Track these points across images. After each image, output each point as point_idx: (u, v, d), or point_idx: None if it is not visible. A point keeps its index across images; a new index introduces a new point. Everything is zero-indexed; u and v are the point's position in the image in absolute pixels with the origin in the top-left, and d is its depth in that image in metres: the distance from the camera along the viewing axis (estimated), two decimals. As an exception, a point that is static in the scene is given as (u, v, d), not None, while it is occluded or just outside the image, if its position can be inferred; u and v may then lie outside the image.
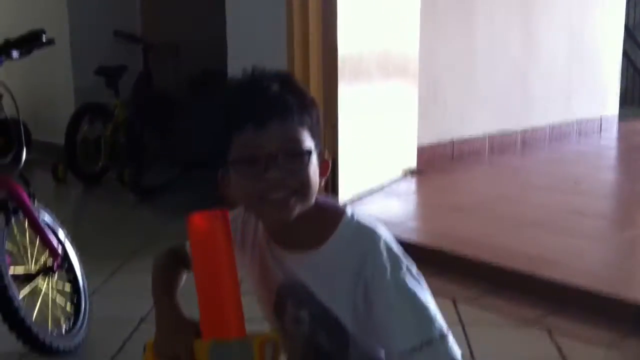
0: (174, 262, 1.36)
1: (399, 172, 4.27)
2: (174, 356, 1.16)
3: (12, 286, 2.11)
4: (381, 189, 3.96)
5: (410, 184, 4.24)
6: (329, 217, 1.21)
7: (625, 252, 3.03)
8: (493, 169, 4.79)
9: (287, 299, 1.27)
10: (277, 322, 1.31)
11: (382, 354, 1.25)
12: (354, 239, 1.19)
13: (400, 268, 1.17)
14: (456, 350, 1.15)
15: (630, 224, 3.42)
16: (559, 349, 2.23)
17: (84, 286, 2.45)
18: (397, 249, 1.19)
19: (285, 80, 1.17)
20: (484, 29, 5.01)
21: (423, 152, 4.54)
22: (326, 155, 1.22)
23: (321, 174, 1.19)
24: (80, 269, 2.46)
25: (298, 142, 1.14)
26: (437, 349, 1.13)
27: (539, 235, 3.21)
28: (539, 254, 2.91)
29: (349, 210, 1.22)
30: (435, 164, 4.65)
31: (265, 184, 1.12)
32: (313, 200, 1.18)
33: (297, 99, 1.16)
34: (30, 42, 2.35)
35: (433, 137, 4.72)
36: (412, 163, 4.42)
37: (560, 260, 2.85)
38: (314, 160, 1.16)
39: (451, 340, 1.15)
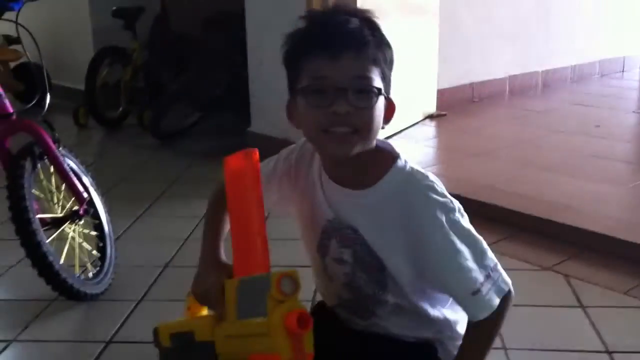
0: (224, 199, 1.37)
1: (418, 116, 4.26)
2: (205, 294, 1.22)
3: (40, 231, 2.17)
4: (401, 132, 3.96)
5: (430, 128, 4.23)
6: (384, 159, 1.24)
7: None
8: (513, 111, 4.75)
9: (332, 237, 1.30)
10: (319, 260, 1.35)
11: (419, 301, 1.29)
12: (406, 182, 1.22)
13: (453, 209, 1.21)
14: (506, 276, 1.23)
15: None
16: (575, 293, 2.26)
17: (109, 232, 2.50)
18: (446, 192, 1.23)
19: (366, 17, 1.19)
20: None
21: (443, 95, 4.52)
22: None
23: (386, 116, 1.21)
24: (106, 214, 2.51)
25: (369, 79, 1.16)
26: (496, 278, 1.20)
27: (559, 180, 3.21)
28: (558, 199, 2.92)
29: (402, 156, 1.25)
30: (455, 106, 4.62)
31: (330, 117, 1.14)
32: (374, 140, 1.20)
33: (374, 37, 1.17)
34: None
35: (453, 79, 4.68)
36: (432, 106, 4.40)
37: (580, 205, 2.85)
38: (381, 100, 1.18)
39: (500, 268, 1.23)
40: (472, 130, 4.23)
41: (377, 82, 1.17)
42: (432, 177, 1.24)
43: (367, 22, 1.18)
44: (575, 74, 5.58)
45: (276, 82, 3.78)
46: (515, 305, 2.03)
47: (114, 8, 4.67)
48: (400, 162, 1.24)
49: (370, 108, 1.16)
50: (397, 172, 1.24)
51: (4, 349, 2.04)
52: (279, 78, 4.06)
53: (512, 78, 5.13)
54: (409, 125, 4.10)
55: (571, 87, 5.44)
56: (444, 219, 1.19)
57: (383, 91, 1.18)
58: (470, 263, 1.19)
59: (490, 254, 1.22)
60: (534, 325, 2.07)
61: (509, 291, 1.22)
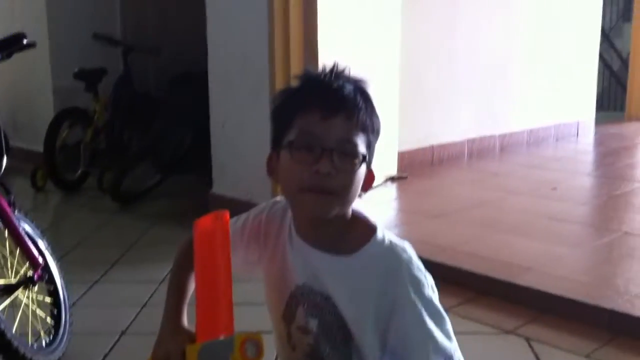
0: (191, 258, 1.35)
1: (380, 178, 4.29)
2: (166, 358, 1.19)
3: (-9, 298, 2.10)
4: (361, 195, 3.97)
5: (391, 190, 4.26)
6: (362, 228, 1.25)
7: (604, 258, 3.07)
8: (472, 173, 4.82)
9: (300, 303, 1.28)
10: (283, 328, 1.33)
11: None
12: (385, 255, 1.22)
13: (426, 286, 1.21)
14: None
15: (608, 229, 3.46)
16: (537, 357, 2.25)
17: (64, 298, 2.43)
18: (421, 266, 1.23)
19: (361, 86, 1.22)
20: (465, 31, 5.05)
21: (403, 157, 4.57)
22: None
23: (364, 186, 1.22)
24: (61, 280, 2.44)
25: (355, 145, 1.18)
26: None
27: (519, 242, 3.24)
28: (519, 262, 2.94)
29: (380, 227, 1.26)
30: (416, 168, 4.68)
31: (312, 176, 1.15)
32: (350, 206, 1.22)
33: (366, 104, 1.20)
34: (11, 45, 2.33)
35: (413, 141, 4.75)
36: (393, 168, 4.44)
37: (540, 267, 2.88)
38: (363, 167, 1.19)
39: (459, 354, 1.23)
40: (433, 192, 4.27)
41: (362, 149, 1.19)
42: (409, 248, 1.25)
43: (361, 90, 1.22)
44: (531, 137, 5.71)
45: (239, 144, 3.89)
46: (478, 371, 2.04)
47: (76, 70, 4.66)
48: (379, 234, 1.25)
49: (353, 172, 1.18)
50: (377, 244, 1.24)
51: None
52: (242, 140, 4.11)
53: (471, 141, 5.22)
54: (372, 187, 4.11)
55: (528, 150, 5.56)
56: (418, 296, 1.20)
57: (367, 158, 1.20)
58: (436, 345, 1.19)
59: (453, 336, 1.22)
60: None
61: None
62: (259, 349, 1.07)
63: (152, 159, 4.46)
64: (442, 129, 5.02)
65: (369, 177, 1.23)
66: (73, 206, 4.40)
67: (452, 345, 1.21)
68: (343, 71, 1.23)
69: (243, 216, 1.38)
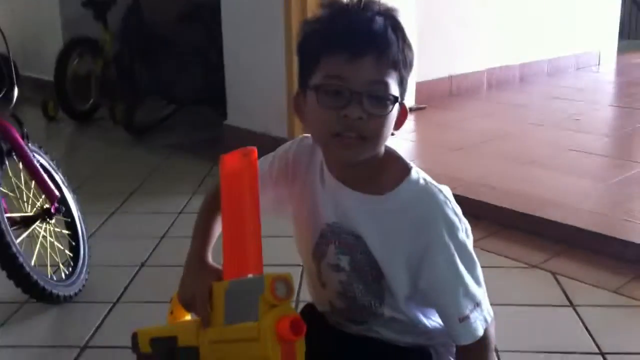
0: (218, 201, 1.29)
1: (397, 109, 4.19)
2: (191, 298, 1.15)
3: (9, 231, 2.06)
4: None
5: (409, 121, 4.15)
6: (397, 167, 1.19)
7: (629, 192, 2.99)
8: (492, 105, 4.71)
9: (331, 241, 1.23)
10: (314, 265, 1.28)
11: (413, 312, 1.24)
12: (420, 195, 1.16)
13: (461, 230, 1.16)
14: (490, 307, 1.20)
15: (633, 161, 3.38)
16: (564, 292, 2.21)
17: (82, 230, 2.40)
18: (458, 210, 1.18)
19: (392, 17, 1.12)
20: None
21: (421, 88, 4.46)
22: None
23: (398, 122, 1.15)
24: (78, 212, 2.41)
25: (387, 85, 1.09)
26: (484, 308, 1.17)
27: (540, 175, 3.17)
28: (541, 194, 2.88)
29: (415, 167, 1.20)
30: (434, 100, 4.58)
31: (341, 121, 1.08)
32: (382, 148, 1.15)
33: (398, 39, 1.10)
34: None
35: (431, 72, 4.63)
36: (411, 99, 4.35)
37: (563, 200, 2.81)
38: (396, 108, 1.12)
39: (486, 297, 1.20)
40: (452, 124, 4.18)
41: (394, 89, 1.11)
42: (446, 191, 1.19)
43: (392, 22, 1.11)
44: (551, 67, 5.57)
45: (253, 75, 3.80)
46: (503, 304, 2.01)
47: (84, -3, 4.53)
48: (414, 174, 1.19)
49: (384, 116, 1.10)
50: (412, 184, 1.18)
51: (-29, 355, 1.94)
52: (256, 71, 4.03)
53: (490, 71, 5.09)
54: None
55: (548, 81, 5.42)
56: (452, 239, 1.15)
57: (399, 98, 1.12)
58: (466, 289, 1.16)
59: (483, 282, 1.19)
60: (523, 325, 2.02)
61: (491, 321, 1.19)
62: (289, 289, 1.03)
63: (164, 93, 4.38)
64: (460, 59, 4.88)
65: (402, 113, 1.16)
66: (86, 137, 4.35)
67: (480, 292, 1.18)
68: (372, 1, 1.12)
69: (269, 156, 1.32)
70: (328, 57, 1.09)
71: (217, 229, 1.27)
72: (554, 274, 2.33)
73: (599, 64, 5.99)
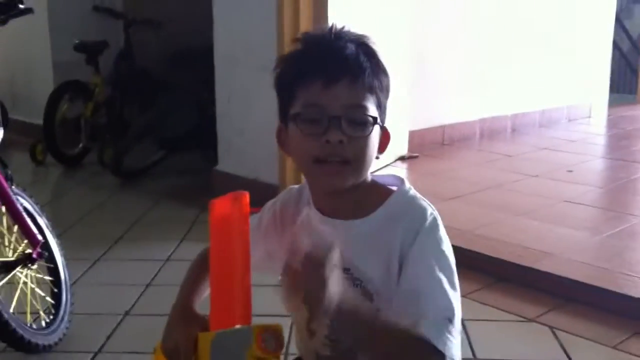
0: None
1: (390, 157, 4.17)
2: (174, 348, 1.11)
3: (-12, 277, 1.98)
4: (378, 157, 3.85)
5: (401, 170, 4.13)
6: (383, 189, 1.16)
7: (625, 244, 2.95)
8: (484, 155, 4.70)
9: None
10: (305, 310, 1.21)
11: None
12: (405, 208, 1.13)
13: (442, 244, 1.12)
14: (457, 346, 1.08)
15: (628, 214, 3.35)
16: (563, 347, 2.14)
17: (65, 277, 2.32)
18: (441, 228, 1.13)
19: (363, 43, 1.13)
20: (477, 10, 4.91)
21: (414, 137, 4.45)
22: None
23: (381, 146, 1.15)
24: (62, 258, 2.33)
25: (364, 108, 1.10)
26: (452, 327, 1.07)
27: (535, 226, 3.12)
28: (536, 246, 2.83)
29: (407, 184, 1.17)
30: (426, 149, 4.56)
31: (323, 146, 1.08)
32: (367, 172, 1.14)
33: (371, 63, 1.11)
34: (6, 10, 2.20)
35: (423, 121, 4.62)
36: (404, 148, 4.32)
37: (559, 252, 2.76)
38: (376, 130, 1.11)
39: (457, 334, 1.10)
40: (445, 173, 4.14)
41: (372, 111, 1.11)
42: (435, 211, 1.15)
43: (364, 48, 1.12)
44: (543, 118, 5.58)
45: (244, 120, 3.76)
46: (500, 359, 1.94)
47: (76, 42, 4.52)
48: (402, 189, 1.16)
49: (365, 137, 1.10)
50: (400, 195, 1.15)
51: (-58, 409, 1.84)
52: (248, 116, 3.98)
53: (482, 121, 5.09)
54: (380, 167, 3.99)
55: (540, 132, 5.42)
56: (435, 247, 1.11)
57: (378, 120, 1.11)
58: (445, 294, 1.08)
59: (458, 287, 1.11)
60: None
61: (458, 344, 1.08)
62: (278, 342, 0.97)
63: (154, 136, 4.34)
64: (453, 109, 4.88)
65: (385, 136, 1.15)
66: (73, 182, 4.28)
67: (455, 295, 1.10)
68: (343, 29, 1.13)
69: (257, 215, 1.31)
70: (303, 86, 1.10)
71: (206, 285, 1.22)
72: (551, 328, 2.26)
73: (590, 116, 6.01)
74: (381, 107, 1.13)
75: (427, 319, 1.05)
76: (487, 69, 5.02)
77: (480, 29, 4.93)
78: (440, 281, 1.08)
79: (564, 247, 2.84)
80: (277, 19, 3.42)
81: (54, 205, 2.67)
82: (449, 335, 1.05)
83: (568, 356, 2.09)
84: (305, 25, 3.42)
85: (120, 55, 4.68)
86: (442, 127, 4.85)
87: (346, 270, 1.14)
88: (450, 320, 1.07)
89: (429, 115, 4.68)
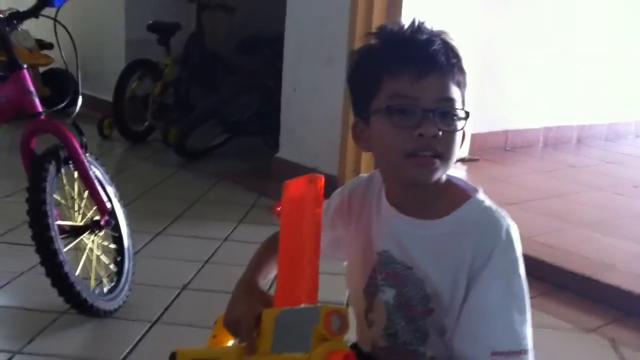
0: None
1: (450, 159, 4.13)
2: (237, 323, 1.09)
3: (58, 239, 2.04)
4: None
5: (461, 172, 4.09)
6: (457, 193, 1.13)
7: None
8: (547, 163, 4.62)
9: (380, 272, 1.17)
10: (364, 301, 1.22)
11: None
12: (479, 219, 1.10)
13: (516, 265, 1.08)
14: None
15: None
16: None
17: (129, 246, 2.37)
18: (517, 245, 1.09)
19: (446, 39, 1.11)
20: (548, 17, 4.81)
21: (475, 140, 4.39)
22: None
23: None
24: (127, 228, 2.38)
25: (455, 102, 1.08)
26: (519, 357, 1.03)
27: (599, 238, 3.06)
28: (597, 257, 2.77)
29: (481, 192, 1.14)
30: (487, 153, 4.50)
31: (416, 140, 1.05)
32: (450, 168, 1.11)
33: (457, 59, 1.10)
34: None
35: (487, 125, 4.57)
36: (464, 150, 4.28)
37: (620, 265, 2.70)
38: (464, 126, 1.09)
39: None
40: (505, 178, 4.08)
41: (461, 105, 1.09)
42: (510, 221, 1.11)
43: (449, 44, 1.10)
44: (610, 132, 5.45)
45: (309, 110, 3.77)
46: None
47: (150, 22, 4.61)
48: (477, 197, 1.12)
49: (455, 132, 1.08)
50: (475, 204, 1.11)
51: (8, 361, 1.90)
52: (313, 106, 3.99)
53: (547, 130, 5.00)
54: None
55: (605, 145, 5.30)
56: (510, 269, 1.06)
57: (467, 116, 1.09)
58: (512, 325, 1.04)
59: (529, 337, 1.06)
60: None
61: None
62: (344, 324, 0.96)
63: (218, 119, 4.40)
64: (518, 114, 4.81)
65: (462, 136, 1.12)
66: (138, 157, 4.36)
67: (523, 321, 1.05)
68: (424, 24, 1.11)
69: (325, 202, 1.28)
70: (391, 79, 1.07)
71: (273, 266, 1.22)
72: (611, 340, 2.21)
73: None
74: (464, 103, 1.11)
75: (495, 357, 1.02)
76: (555, 76, 4.93)
77: (549, 36, 4.84)
78: (509, 309, 1.04)
79: (626, 260, 2.77)
80: (351, 12, 3.42)
81: (118, 178, 2.71)
82: None
83: (627, 370, 2.05)
84: (379, 20, 3.42)
85: (192, 37, 4.74)
86: (506, 132, 4.79)
87: (408, 268, 1.13)
88: (519, 352, 1.03)
89: (493, 119, 4.62)
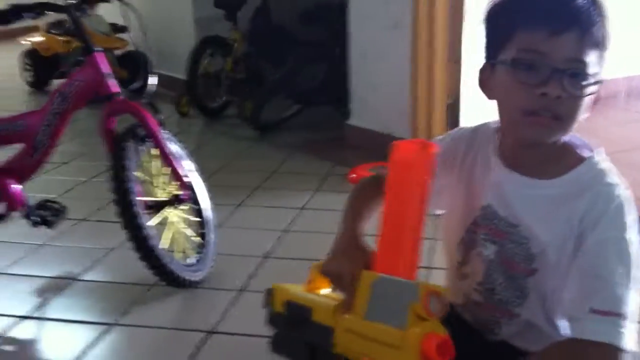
0: (374, 188, 1.23)
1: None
2: (338, 276, 1.08)
3: (142, 214, 2.12)
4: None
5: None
6: (574, 155, 1.09)
7: None
8: (631, 114, 4.44)
9: (481, 226, 1.16)
10: (459, 253, 1.21)
11: (552, 323, 1.13)
12: (592, 182, 1.06)
13: (626, 231, 1.03)
14: (631, 339, 1.00)
15: None
16: None
17: (210, 218, 2.43)
18: (629, 210, 1.05)
19: None
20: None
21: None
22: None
23: (594, 101, 1.06)
24: (208, 200, 2.45)
25: (587, 65, 1.01)
26: (622, 327, 0.99)
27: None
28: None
29: (599, 152, 1.10)
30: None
31: (538, 99, 1.01)
32: (570, 132, 1.07)
33: (601, 16, 1.03)
34: None
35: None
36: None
37: None
38: (593, 90, 1.04)
39: (632, 329, 1.01)
40: (588, 131, 3.93)
41: (595, 69, 1.02)
42: (624, 187, 1.07)
43: (595, 1, 1.03)
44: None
45: (377, 76, 3.74)
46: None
47: (217, -2, 4.66)
48: (592, 159, 1.09)
49: (582, 97, 1.02)
50: (589, 166, 1.08)
51: (107, 331, 2.00)
52: (381, 72, 3.94)
53: (630, 79, 4.79)
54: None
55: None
56: (625, 228, 1.03)
57: (600, 79, 1.03)
58: (622, 284, 1.00)
59: (633, 305, 1.02)
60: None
61: (623, 350, 1.00)
62: (442, 306, 0.95)
63: (288, 91, 4.43)
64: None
65: (596, 96, 1.07)
66: (215, 132, 4.46)
67: (631, 287, 1.01)
68: None
69: (439, 137, 1.27)
70: (525, 31, 1.02)
71: (370, 214, 1.21)
72: None
73: None
74: (601, 63, 1.05)
75: (593, 314, 1.00)
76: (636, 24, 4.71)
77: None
78: (614, 272, 1.01)
79: None
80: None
81: (197, 153, 2.79)
82: (620, 329, 0.99)
83: None
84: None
85: (257, 11, 4.77)
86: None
87: (513, 226, 1.12)
88: (619, 314, 1.00)
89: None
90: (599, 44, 1.02)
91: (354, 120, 3.90)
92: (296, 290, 1.19)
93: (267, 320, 1.21)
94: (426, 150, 1.06)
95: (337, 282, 1.09)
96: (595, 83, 1.02)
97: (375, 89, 3.74)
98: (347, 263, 1.08)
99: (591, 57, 1.01)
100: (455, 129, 1.26)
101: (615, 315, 0.99)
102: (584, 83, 1.01)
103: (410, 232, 1.04)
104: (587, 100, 1.03)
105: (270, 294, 1.22)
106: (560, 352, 1.02)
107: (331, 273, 1.10)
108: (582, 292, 1.03)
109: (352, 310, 1.03)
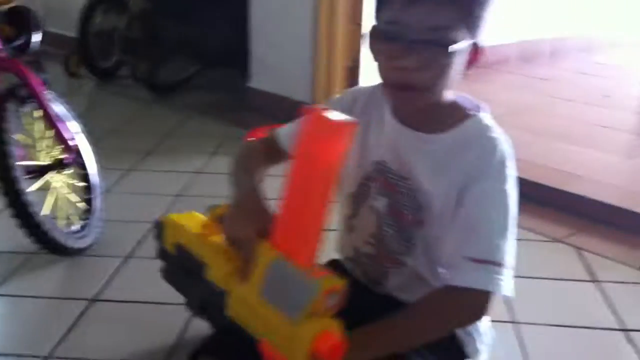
0: (263, 152, 1.27)
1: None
2: (236, 240, 1.04)
3: (22, 179, 2.03)
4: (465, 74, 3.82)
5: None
6: (462, 110, 1.13)
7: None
8: (521, 78, 4.60)
9: (374, 180, 1.19)
10: (350, 207, 1.24)
11: (437, 273, 1.17)
12: (476, 138, 1.10)
13: (506, 183, 1.09)
14: (509, 285, 1.06)
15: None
16: (588, 267, 2.15)
17: (97, 183, 2.36)
18: (510, 164, 1.10)
19: None
20: None
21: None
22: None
23: (471, 61, 1.08)
24: (95, 165, 2.37)
25: (446, 30, 1.01)
26: (497, 274, 1.05)
27: (567, 149, 3.09)
28: (567, 169, 2.81)
29: (484, 111, 1.14)
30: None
31: (397, 70, 1.02)
32: (444, 93, 1.08)
33: None
34: None
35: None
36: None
37: (589, 175, 2.74)
38: (460, 55, 1.03)
39: (509, 276, 1.07)
40: (478, 94, 4.05)
41: (458, 35, 1.01)
42: (508, 142, 1.12)
43: None
44: (584, 43, 5.42)
45: (280, 37, 3.70)
46: (526, 277, 1.95)
47: (111, -48, 4.46)
48: (478, 116, 1.13)
49: (445, 64, 1.02)
50: (474, 122, 1.12)
51: (-20, 303, 1.92)
52: (282, 33, 3.92)
53: (520, 45, 4.96)
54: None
55: (578, 56, 5.28)
56: (504, 180, 1.08)
57: (463, 46, 1.03)
58: (500, 234, 1.06)
59: (512, 254, 1.08)
60: (545, 299, 1.97)
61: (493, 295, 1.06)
62: (340, 300, 0.95)
63: (189, 51, 4.32)
64: (491, 30, 4.74)
65: (476, 53, 1.07)
66: (107, 94, 4.30)
67: (507, 237, 1.07)
68: None
69: (338, 97, 1.30)
70: (386, 6, 1.04)
71: (262, 176, 1.21)
72: (578, 249, 2.26)
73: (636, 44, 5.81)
74: (474, 25, 1.04)
75: (469, 262, 1.04)
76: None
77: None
78: (493, 223, 1.06)
79: (595, 170, 2.81)
80: None
81: (87, 116, 2.66)
82: (495, 276, 1.04)
83: (593, 276, 2.09)
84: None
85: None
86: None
87: (404, 178, 1.15)
88: (495, 262, 1.04)
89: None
90: (464, 6, 1.02)
91: (254, 83, 3.85)
92: (188, 231, 1.14)
93: (157, 254, 1.18)
94: (345, 129, 0.97)
95: (236, 244, 1.05)
96: (455, 51, 1.01)
97: (275, 51, 3.70)
98: (248, 225, 1.03)
99: (454, 22, 1.01)
100: (353, 88, 1.29)
101: (490, 263, 1.04)
102: (444, 51, 1.01)
103: (314, 216, 0.97)
104: (454, 67, 1.04)
105: (160, 227, 1.18)
106: (436, 299, 1.07)
107: (230, 235, 1.06)
108: (460, 241, 1.07)
109: (247, 280, 1.01)
